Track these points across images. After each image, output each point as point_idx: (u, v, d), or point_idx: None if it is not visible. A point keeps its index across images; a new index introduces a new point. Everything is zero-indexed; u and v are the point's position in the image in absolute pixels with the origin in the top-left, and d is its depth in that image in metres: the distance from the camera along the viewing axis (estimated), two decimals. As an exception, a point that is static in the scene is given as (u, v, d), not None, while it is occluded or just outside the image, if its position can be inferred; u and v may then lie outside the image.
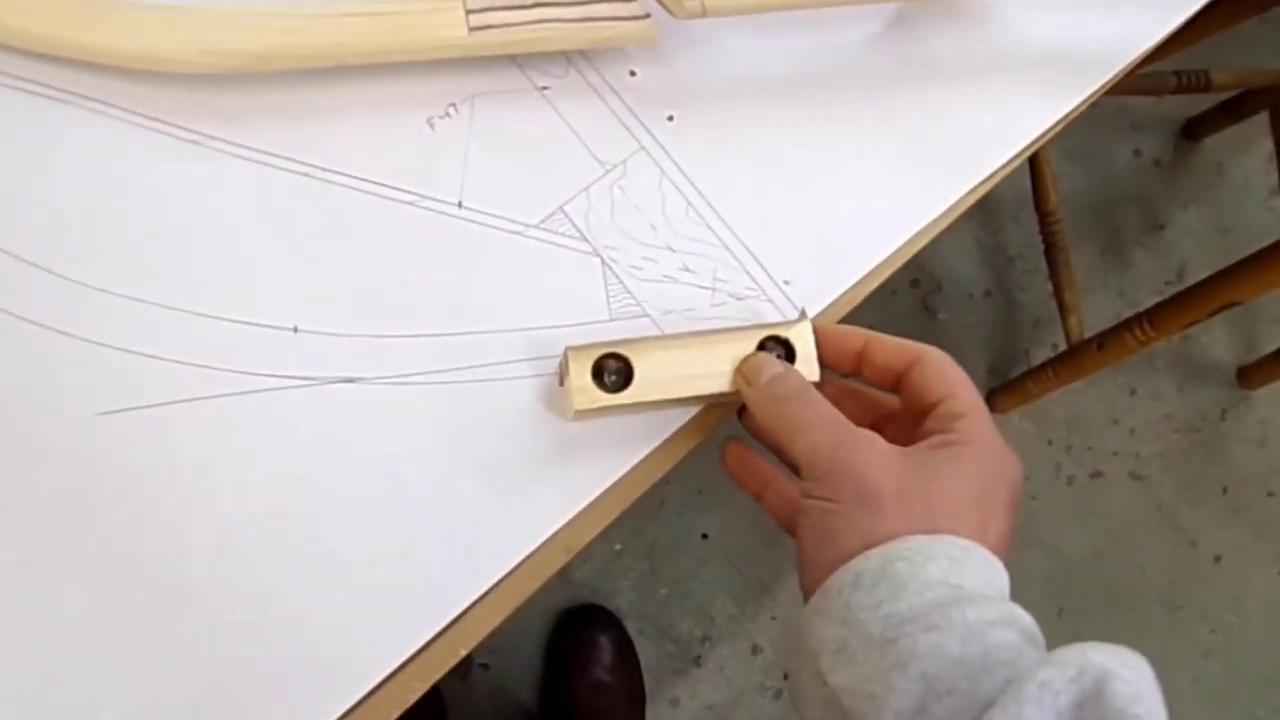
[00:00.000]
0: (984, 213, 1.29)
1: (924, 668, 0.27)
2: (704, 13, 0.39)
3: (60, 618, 0.33)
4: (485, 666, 1.05)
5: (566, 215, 0.40)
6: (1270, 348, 1.27)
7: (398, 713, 0.35)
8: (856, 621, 0.29)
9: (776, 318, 0.40)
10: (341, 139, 0.39)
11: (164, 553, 0.34)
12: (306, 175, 0.38)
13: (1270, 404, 1.30)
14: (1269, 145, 1.07)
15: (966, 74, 0.45)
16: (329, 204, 0.38)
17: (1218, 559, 1.26)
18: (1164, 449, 1.28)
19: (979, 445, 0.33)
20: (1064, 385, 1.13)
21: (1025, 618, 0.29)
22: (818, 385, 0.36)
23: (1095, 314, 1.16)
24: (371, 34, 0.37)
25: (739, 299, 0.41)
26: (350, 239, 0.38)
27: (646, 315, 0.40)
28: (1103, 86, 0.47)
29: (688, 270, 0.41)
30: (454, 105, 0.40)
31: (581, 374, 0.35)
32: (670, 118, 0.42)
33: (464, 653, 0.36)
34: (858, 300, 0.42)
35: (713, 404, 0.39)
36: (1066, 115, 0.46)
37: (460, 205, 0.39)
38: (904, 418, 0.36)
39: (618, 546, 1.11)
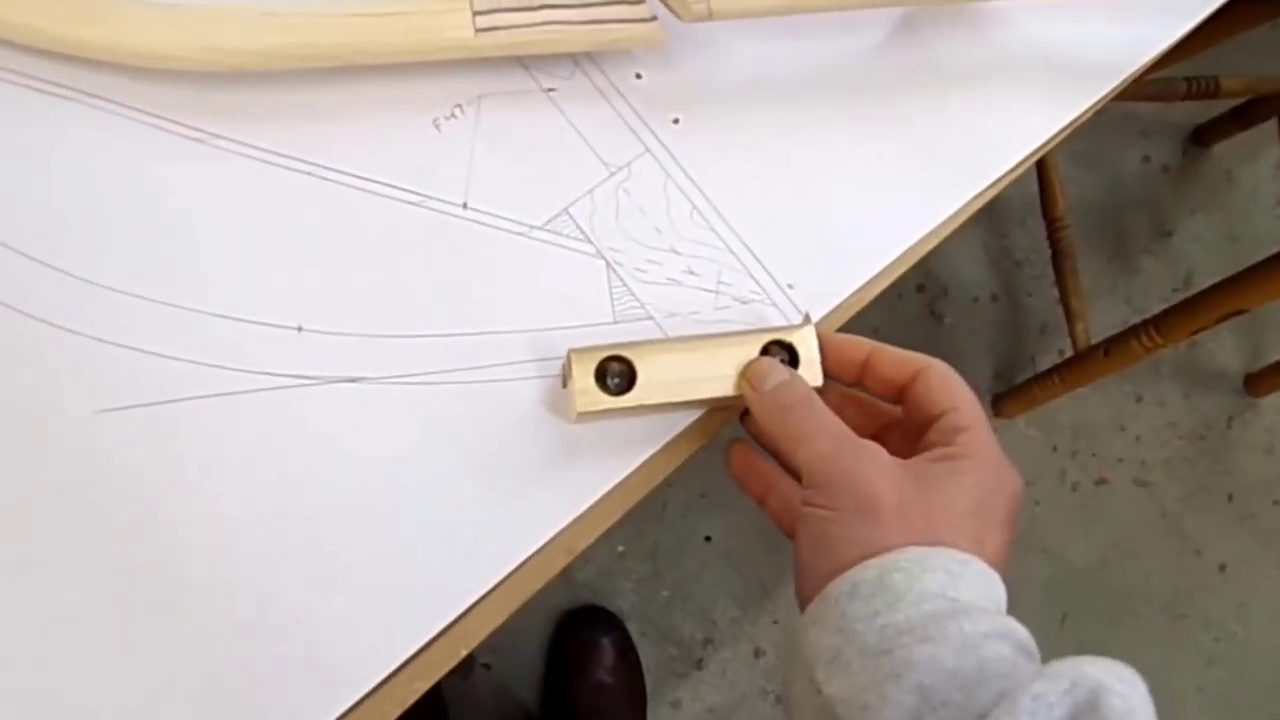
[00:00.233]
0: (991, 217, 1.29)
1: (919, 679, 0.27)
2: (710, 16, 0.39)
3: (60, 617, 0.33)
4: (487, 666, 1.05)
5: (571, 217, 0.40)
6: (1278, 355, 1.27)
7: (399, 712, 0.35)
8: (852, 631, 0.29)
9: (780, 322, 0.40)
10: (347, 139, 0.39)
11: (165, 552, 0.34)
12: (311, 175, 0.38)
13: (1277, 412, 1.30)
14: (1278, 152, 1.06)
15: (973, 79, 0.45)
16: (333, 204, 0.38)
17: (1223, 567, 1.25)
18: (1169, 456, 1.27)
19: (980, 459, 0.33)
20: (1070, 391, 1.12)
21: (1021, 631, 0.29)
22: (820, 391, 0.36)
23: (1102, 320, 1.16)
24: (378, 34, 0.37)
25: (743, 302, 0.40)
26: (354, 239, 0.38)
27: (650, 318, 0.40)
28: (1109, 93, 0.46)
29: (692, 273, 0.40)
30: (460, 106, 0.40)
31: (585, 376, 0.35)
32: (676, 120, 0.42)
33: (465, 653, 0.35)
34: (862, 304, 0.42)
35: (715, 407, 0.39)
36: (1073, 121, 0.46)
37: (465, 206, 0.39)
38: (906, 427, 0.36)
39: (620, 548, 1.11)
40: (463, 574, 0.36)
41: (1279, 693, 1.23)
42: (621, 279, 0.40)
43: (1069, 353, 1.11)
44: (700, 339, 0.37)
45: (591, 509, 0.37)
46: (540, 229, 0.40)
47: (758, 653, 1.12)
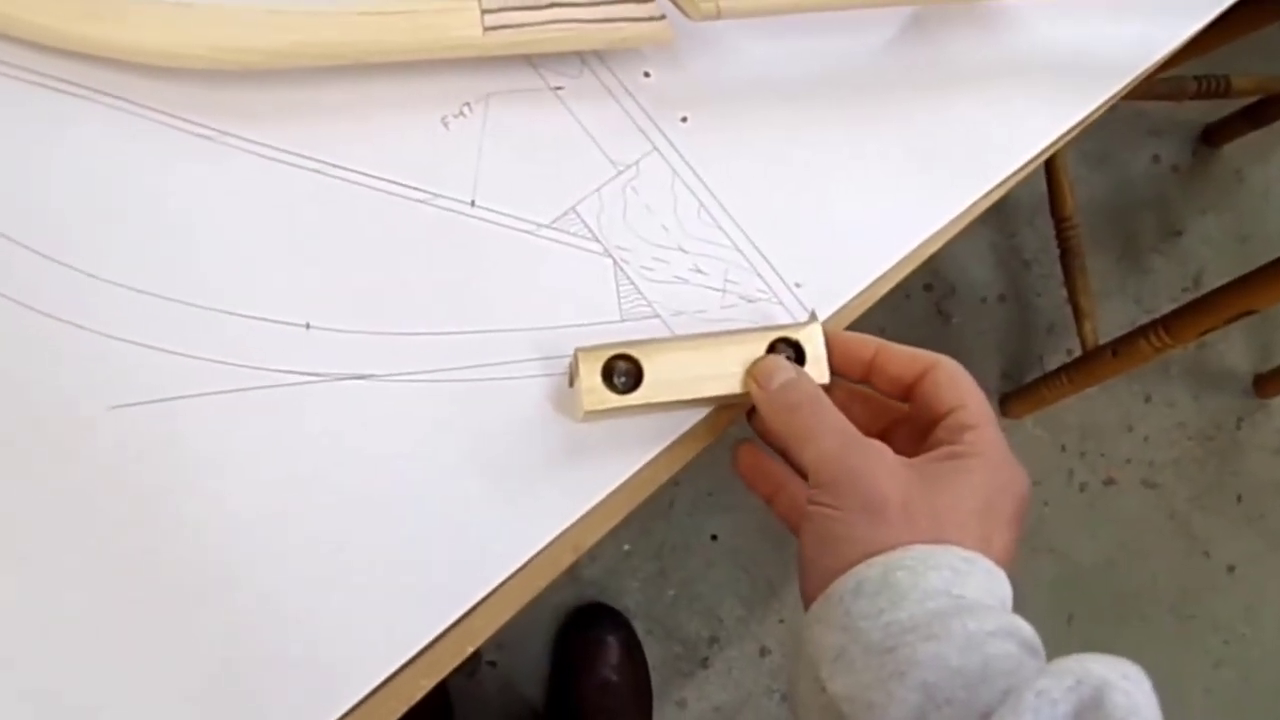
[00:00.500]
0: (999, 217, 1.28)
1: (923, 677, 0.27)
2: (719, 15, 0.39)
3: (64, 616, 0.33)
4: (492, 664, 1.05)
5: (579, 215, 0.40)
6: (1288, 356, 1.26)
7: (404, 709, 0.35)
8: (857, 629, 0.29)
9: (787, 320, 0.40)
10: (355, 137, 0.39)
11: (172, 549, 0.34)
12: (319, 173, 0.38)
13: (1287, 413, 1.29)
14: (1289, 152, 1.06)
15: (982, 79, 0.45)
16: (341, 202, 0.38)
17: (1231, 568, 1.25)
18: (1178, 457, 1.27)
19: (987, 458, 0.33)
20: (1078, 391, 1.12)
21: (1025, 629, 0.29)
22: (827, 388, 0.36)
23: (1111, 320, 1.16)
24: (387, 33, 0.37)
25: (750, 301, 0.40)
26: (363, 236, 0.38)
27: (657, 316, 0.40)
28: (1118, 93, 0.46)
29: (699, 272, 0.41)
30: (468, 104, 0.40)
31: (591, 375, 0.35)
32: (684, 119, 0.42)
33: (470, 650, 0.36)
34: (869, 304, 0.42)
35: (722, 405, 0.39)
36: (1081, 121, 0.46)
37: (473, 204, 0.39)
38: (913, 425, 0.36)
39: (626, 546, 1.11)
40: (469, 572, 0.36)
41: (1287, 695, 1.22)
42: (629, 277, 0.40)
43: (1077, 353, 1.10)
44: (707, 337, 0.37)
45: (598, 507, 0.37)
46: (548, 227, 0.40)
47: (764, 651, 1.12)
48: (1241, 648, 1.23)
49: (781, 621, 1.13)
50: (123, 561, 0.34)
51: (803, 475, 0.35)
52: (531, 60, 0.41)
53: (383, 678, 0.34)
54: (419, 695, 0.35)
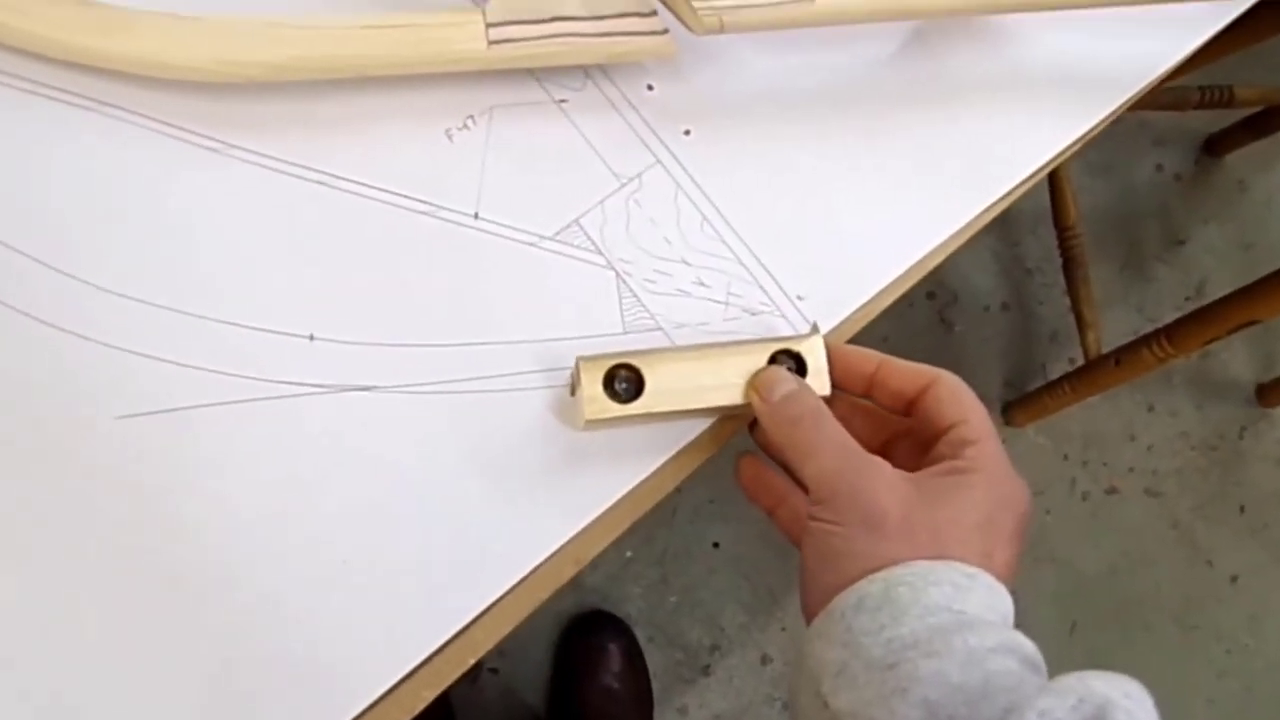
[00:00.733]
0: (1002, 226, 1.29)
1: (925, 693, 0.27)
2: (722, 29, 0.39)
3: (65, 619, 0.33)
4: (494, 671, 1.05)
5: (581, 228, 0.40)
6: (1291, 366, 1.26)
7: (407, 719, 0.35)
8: (858, 645, 0.29)
9: (790, 334, 0.40)
10: (359, 149, 0.39)
11: (176, 558, 0.34)
12: (324, 184, 0.39)
13: (1290, 423, 1.29)
14: (1292, 162, 1.06)
15: (984, 92, 0.45)
16: (346, 213, 0.39)
17: (1234, 578, 1.25)
18: (1181, 466, 1.26)
19: (988, 473, 0.33)
20: (1081, 400, 1.12)
21: (1027, 645, 0.29)
22: (828, 400, 0.36)
23: (1113, 329, 1.16)
24: (391, 46, 0.37)
25: (753, 314, 0.41)
26: (367, 248, 0.38)
27: (660, 329, 0.40)
28: (1120, 108, 0.46)
29: (702, 284, 0.41)
30: (472, 117, 0.41)
31: (593, 383, 0.36)
32: (687, 132, 0.42)
33: (472, 661, 0.36)
34: (872, 316, 0.42)
35: (725, 416, 0.39)
36: (1084, 135, 0.46)
37: (476, 216, 0.40)
38: (915, 438, 0.36)
39: (628, 553, 1.11)
40: (470, 584, 0.36)
41: (1290, 705, 1.22)
42: (631, 290, 0.40)
43: (1080, 361, 1.10)
44: (709, 347, 0.37)
45: (600, 519, 0.37)
46: (551, 239, 0.40)
47: (765, 659, 1.12)
48: (1244, 658, 1.23)
49: (783, 629, 1.13)
50: (127, 570, 0.34)
51: (804, 488, 0.35)
52: (535, 73, 0.41)
53: (384, 689, 0.34)
54: (421, 706, 0.35)
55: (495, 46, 0.38)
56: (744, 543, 1.14)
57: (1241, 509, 1.27)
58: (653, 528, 1.12)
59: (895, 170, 0.44)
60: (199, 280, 0.37)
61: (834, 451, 0.33)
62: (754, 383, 0.36)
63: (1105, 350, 1.06)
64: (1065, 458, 1.24)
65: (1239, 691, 1.22)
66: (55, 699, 0.33)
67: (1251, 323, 0.89)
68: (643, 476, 0.38)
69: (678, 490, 0.39)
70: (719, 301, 0.41)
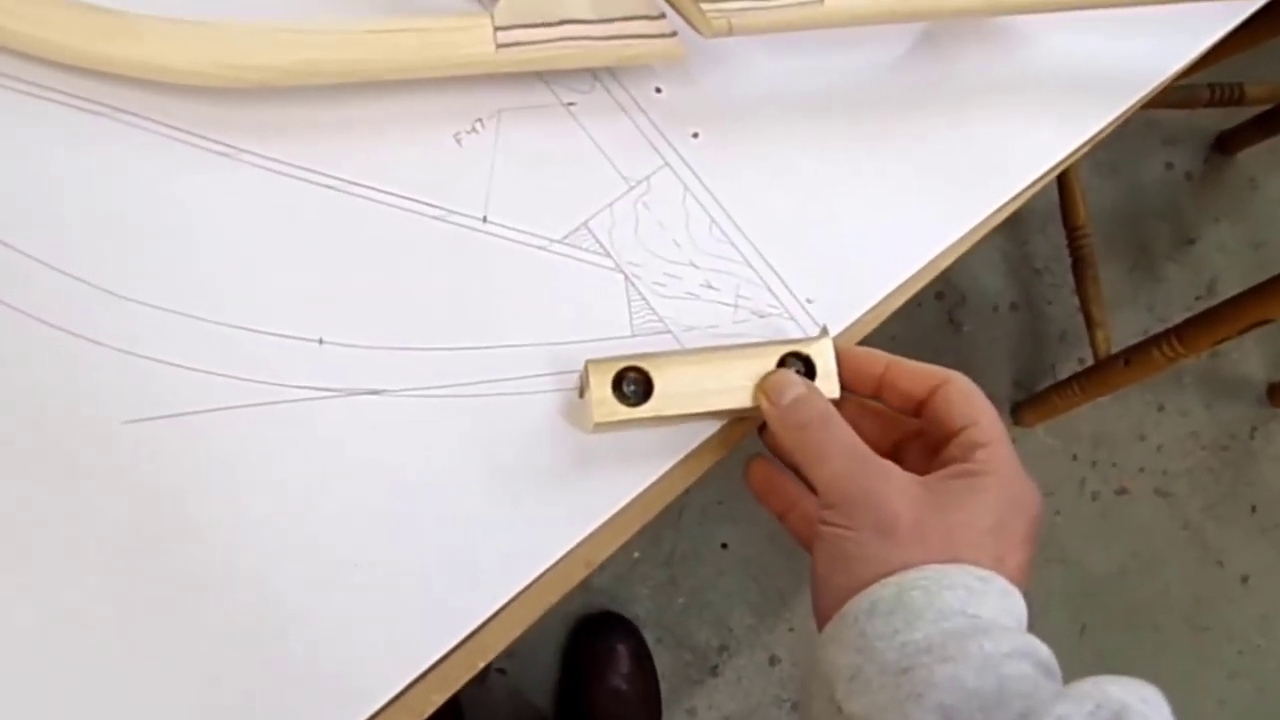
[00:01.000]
0: (1011, 225, 1.28)
1: (940, 699, 0.27)
2: (730, 31, 0.39)
3: (76, 621, 0.33)
4: (502, 672, 1.05)
5: (590, 231, 0.40)
6: (1302, 365, 1.25)
7: (416, 723, 0.35)
8: (872, 649, 0.29)
9: (798, 336, 0.40)
10: (369, 153, 0.39)
11: (185, 563, 0.34)
12: (333, 189, 0.39)
13: (1302, 422, 1.29)
14: (1304, 160, 1.05)
15: (993, 94, 0.45)
16: (355, 217, 0.39)
17: (1245, 579, 1.24)
18: (1191, 466, 1.26)
19: (999, 476, 0.33)
20: (1090, 400, 1.12)
21: (1042, 649, 0.29)
22: (837, 403, 0.36)
23: (1123, 329, 1.15)
24: (400, 50, 0.37)
25: (761, 316, 0.41)
26: (376, 252, 0.38)
27: (669, 331, 0.40)
28: (1130, 109, 0.46)
29: (710, 287, 0.41)
30: (480, 121, 0.41)
31: (601, 386, 0.36)
32: (695, 135, 0.42)
33: (482, 665, 0.36)
34: (881, 319, 0.42)
35: (734, 419, 0.39)
36: (1093, 137, 0.46)
37: (485, 220, 0.40)
38: (925, 440, 0.36)
39: (636, 555, 1.11)
40: (480, 587, 0.36)
41: (1302, 707, 1.21)
42: (640, 292, 0.40)
43: (1089, 361, 1.10)
44: (718, 350, 0.37)
45: (609, 522, 0.37)
46: (559, 242, 0.40)
47: (773, 660, 1.12)
48: (1256, 659, 1.22)
49: (791, 630, 1.13)
50: (135, 573, 0.34)
51: (815, 491, 0.35)
52: (543, 76, 0.41)
53: (394, 693, 0.34)
54: (430, 710, 0.35)
55: (503, 50, 0.38)
56: (752, 544, 1.13)
57: (1253, 509, 1.26)
58: (661, 529, 1.12)
59: (904, 172, 0.43)
60: (208, 284, 0.37)
61: (844, 455, 0.33)
62: (763, 386, 0.36)
63: (1115, 350, 1.05)
64: (1075, 458, 1.24)
65: (1250, 692, 1.21)
66: (60, 700, 0.33)
67: (1263, 322, 0.88)
68: (653, 479, 0.38)
69: (686, 491, 0.39)
70: (728, 304, 0.40)
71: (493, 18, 0.38)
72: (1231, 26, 0.48)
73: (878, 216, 0.43)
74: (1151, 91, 0.47)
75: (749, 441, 0.39)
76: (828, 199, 0.42)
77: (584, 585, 0.38)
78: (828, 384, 0.37)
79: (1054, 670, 0.29)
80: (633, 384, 0.36)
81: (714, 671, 1.11)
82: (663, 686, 1.08)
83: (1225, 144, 1.33)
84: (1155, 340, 0.97)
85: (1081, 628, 1.19)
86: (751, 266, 0.41)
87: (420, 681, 0.35)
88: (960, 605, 0.29)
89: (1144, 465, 1.25)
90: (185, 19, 0.36)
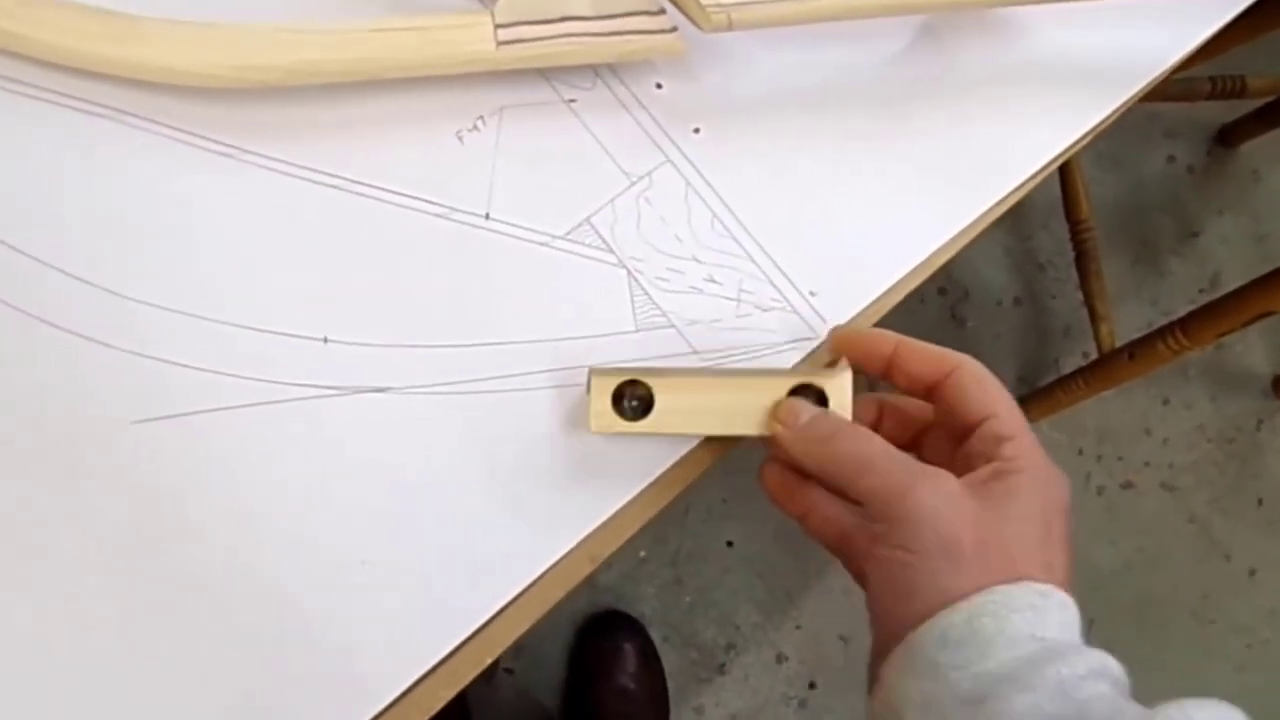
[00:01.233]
0: (1013, 220, 1.28)
1: None
2: (730, 26, 0.39)
3: (81, 621, 0.33)
4: (509, 671, 1.06)
5: (592, 226, 0.40)
6: (1307, 357, 1.25)
7: (425, 719, 0.35)
8: (946, 679, 0.29)
9: (802, 329, 0.40)
10: (371, 151, 0.39)
11: (192, 561, 0.34)
12: (336, 188, 0.39)
13: (1307, 415, 1.28)
14: (1306, 152, 1.05)
15: (994, 86, 0.45)
16: (358, 216, 0.39)
17: (1252, 572, 1.24)
18: (1197, 459, 1.26)
19: (1031, 471, 0.32)
20: (1095, 394, 1.11)
21: (1115, 666, 0.29)
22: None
23: (1127, 322, 1.15)
24: (401, 49, 0.38)
25: (764, 310, 0.41)
26: (379, 250, 0.39)
27: (672, 326, 0.40)
28: (1130, 99, 0.46)
29: (713, 281, 0.41)
30: (482, 118, 0.41)
31: (601, 398, 0.35)
32: (696, 130, 0.42)
33: (489, 661, 0.36)
34: (884, 311, 0.42)
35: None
36: (1094, 128, 0.46)
37: (487, 217, 0.40)
38: (942, 430, 0.36)
39: (642, 553, 1.11)
40: (487, 583, 0.36)
41: (1311, 699, 1.21)
42: (643, 288, 0.40)
43: (1093, 355, 1.10)
44: (727, 374, 0.37)
45: (615, 517, 0.37)
46: (562, 238, 0.40)
47: (780, 658, 1.12)
48: (1264, 652, 1.22)
49: (798, 628, 1.13)
50: (139, 573, 0.34)
51: (846, 498, 0.34)
52: (544, 73, 0.41)
53: (402, 689, 0.34)
54: (438, 706, 0.35)
55: (504, 47, 0.38)
56: (758, 542, 1.13)
57: (1259, 502, 1.26)
58: (666, 527, 1.12)
59: (906, 165, 0.43)
60: (212, 284, 0.37)
61: (887, 465, 0.32)
62: (776, 414, 0.35)
63: (1119, 344, 1.05)
64: (1080, 452, 1.24)
65: (1259, 686, 1.21)
66: (59, 700, 0.33)
67: (1267, 314, 0.88)
68: (657, 475, 0.38)
69: (690, 490, 0.39)
70: (731, 298, 0.41)
71: (493, 15, 0.38)
72: (1229, 17, 0.48)
73: (880, 209, 0.43)
74: (1150, 83, 0.47)
75: (754, 439, 0.39)
76: (829, 193, 0.43)
77: (590, 584, 0.38)
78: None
79: (1126, 686, 0.29)
80: (634, 399, 0.36)
81: (721, 670, 1.11)
82: (670, 685, 1.08)
83: (1227, 137, 1.33)
84: (1159, 333, 0.97)
85: (1089, 623, 1.18)
86: (754, 261, 0.41)
87: (428, 677, 0.35)
88: (1029, 628, 0.29)
89: (1149, 459, 1.25)
90: (188, 20, 0.37)
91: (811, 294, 0.41)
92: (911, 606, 0.30)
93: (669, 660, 1.08)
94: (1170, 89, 1.06)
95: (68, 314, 0.36)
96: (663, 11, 0.40)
